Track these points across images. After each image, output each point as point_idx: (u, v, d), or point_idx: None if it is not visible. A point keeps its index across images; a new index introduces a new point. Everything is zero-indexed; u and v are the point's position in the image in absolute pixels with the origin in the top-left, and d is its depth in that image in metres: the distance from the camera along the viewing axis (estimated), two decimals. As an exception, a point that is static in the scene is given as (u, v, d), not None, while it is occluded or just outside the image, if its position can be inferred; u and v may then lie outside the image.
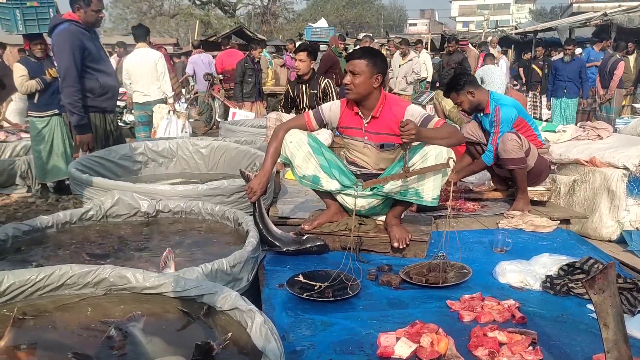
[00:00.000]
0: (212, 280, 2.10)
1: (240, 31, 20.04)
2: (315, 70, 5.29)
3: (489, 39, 13.49)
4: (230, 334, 1.65)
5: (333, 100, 4.84)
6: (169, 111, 6.26)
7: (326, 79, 4.94)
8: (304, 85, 4.93)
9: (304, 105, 4.97)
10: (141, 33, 6.31)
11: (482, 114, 3.75)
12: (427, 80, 10.94)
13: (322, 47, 12.51)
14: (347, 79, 2.76)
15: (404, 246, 2.79)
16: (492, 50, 11.70)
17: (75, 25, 3.72)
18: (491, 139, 3.63)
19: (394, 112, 2.80)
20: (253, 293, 2.42)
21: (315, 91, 4.88)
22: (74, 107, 3.67)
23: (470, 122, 3.96)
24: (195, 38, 14.15)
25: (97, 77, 3.80)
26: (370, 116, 2.84)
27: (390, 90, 9.60)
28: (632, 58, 9.46)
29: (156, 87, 6.16)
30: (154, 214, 3.05)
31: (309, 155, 2.84)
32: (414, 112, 2.79)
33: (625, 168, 3.56)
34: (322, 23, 15.07)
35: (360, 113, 2.87)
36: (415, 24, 56.69)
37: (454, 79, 3.79)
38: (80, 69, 3.69)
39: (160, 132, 6.20)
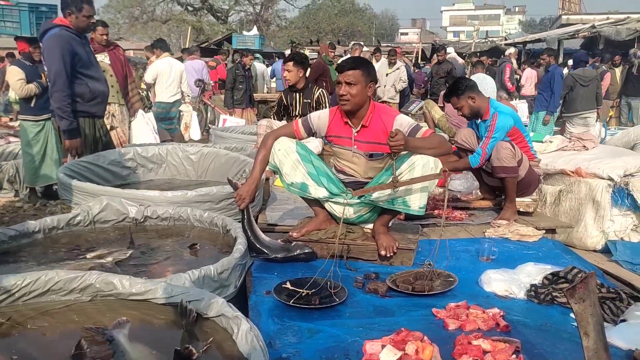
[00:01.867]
0: (199, 286, 2.11)
1: (232, 38, 20.07)
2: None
3: (512, 50, 12.92)
4: (211, 339, 1.65)
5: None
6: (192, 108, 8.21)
7: (320, 89, 4.96)
8: (297, 94, 4.94)
9: (297, 114, 4.98)
10: (163, 45, 7.99)
11: (479, 120, 3.78)
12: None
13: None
14: (344, 89, 2.76)
15: (391, 254, 2.80)
16: (514, 62, 11.47)
17: (66, 30, 3.72)
18: (482, 143, 3.66)
19: (383, 121, 2.83)
20: (240, 300, 2.42)
21: (309, 100, 4.89)
22: (63, 112, 3.66)
23: (465, 129, 3.98)
24: (187, 44, 14.16)
25: (86, 82, 3.80)
26: (360, 125, 2.86)
27: (379, 98, 9.66)
28: (618, 70, 9.61)
29: (179, 90, 7.73)
30: (142, 220, 3.05)
31: (297, 162, 2.86)
32: (402, 122, 2.82)
33: (610, 179, 3.62)
34: (253, 31, 15.31)
35: (349, 122, 2.88)
36: (406, 33, 57.12)
37: (455, 83, 3.80)
38: (70, 74, 3.69)
39: (195, 126, 8.26)
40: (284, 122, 5.03)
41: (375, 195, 2.77)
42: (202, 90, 9.76)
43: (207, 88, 9.87)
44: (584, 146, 4.18)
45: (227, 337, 1.69)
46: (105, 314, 1.88)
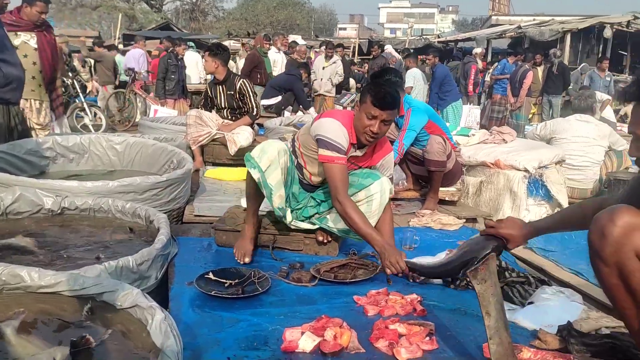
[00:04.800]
0: (117, 278, 2.05)
1: (167, 27, 19.53)
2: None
3: (478, 50, 12.44)
4: (111, 330, 1.61)
5: (251, 99, 4.86)
6: None
7: (241, 79, 4.92)
8: (220, 86, 4.92)
9: (223, 105, 4.96)
10: None
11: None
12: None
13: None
14: (380, 128, 2.55)
15: (328, 241, 2.83)
16: (479, 63, 11.32)
17: (-24, 11, 3.48)
18: (398, 136, 3.77)
19: (376, 151, 2.82)
20: (163, 291, 2.38)
21: (232, 92, 4.87)
22: (-26, 98, 3.43)
23: None
24: (118, 32, 13.59)
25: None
26: (364, 152, 2.76)
27: (316, 91, 9.71)
28: (540, 69, 10.12)
29: None
30: (58, 211, 2.92)
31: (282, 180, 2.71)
32: (389, 165, 2.84)
33: (526, 170, 3.82)
34: None
35: (356, 144, 2.71)
36: (345, 29, 57.52)
37: (381, 72, 3.79)
38: (-18, 58, 3.46)
39: None
40: (213, 113, 4.99)
41: (330, 224, 2.80)
42: (133, 80, 9.45)
43: (138, 77, 9.54)
44: (504, 139, 4.38)
45: (142, 328, 1.65)
46: (12, 308, 1.79)
